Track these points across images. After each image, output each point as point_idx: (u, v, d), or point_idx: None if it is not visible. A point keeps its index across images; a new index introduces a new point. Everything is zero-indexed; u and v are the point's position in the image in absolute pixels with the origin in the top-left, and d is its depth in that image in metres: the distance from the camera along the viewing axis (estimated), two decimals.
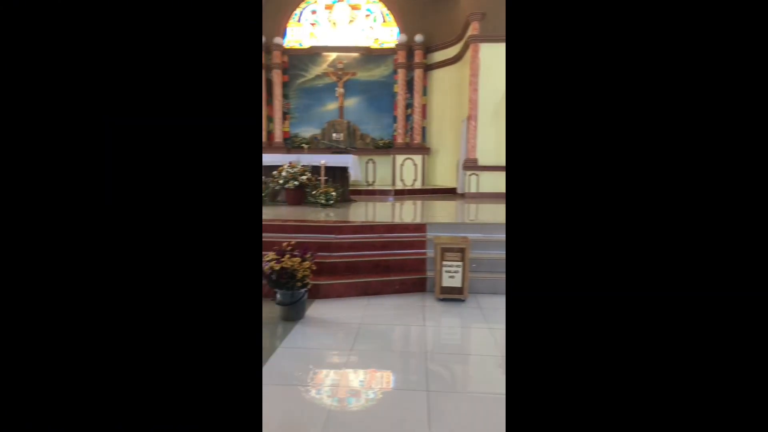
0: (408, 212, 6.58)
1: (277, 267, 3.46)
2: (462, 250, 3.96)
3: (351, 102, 10.65)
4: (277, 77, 11.02)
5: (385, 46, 10.54)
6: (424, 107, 10.45)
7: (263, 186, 7.07)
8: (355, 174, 7.65)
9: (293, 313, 3.49)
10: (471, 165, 8.66)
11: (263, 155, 8.26)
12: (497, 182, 8.16)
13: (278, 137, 11.03)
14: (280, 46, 10.78)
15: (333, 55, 10.60)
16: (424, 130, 10.51)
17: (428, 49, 10.26)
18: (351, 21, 10.75)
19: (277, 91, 11.02)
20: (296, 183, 6.55)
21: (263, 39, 11.07)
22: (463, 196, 8.72)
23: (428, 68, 10.39)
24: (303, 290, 3.50)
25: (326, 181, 6.71)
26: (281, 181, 6.66)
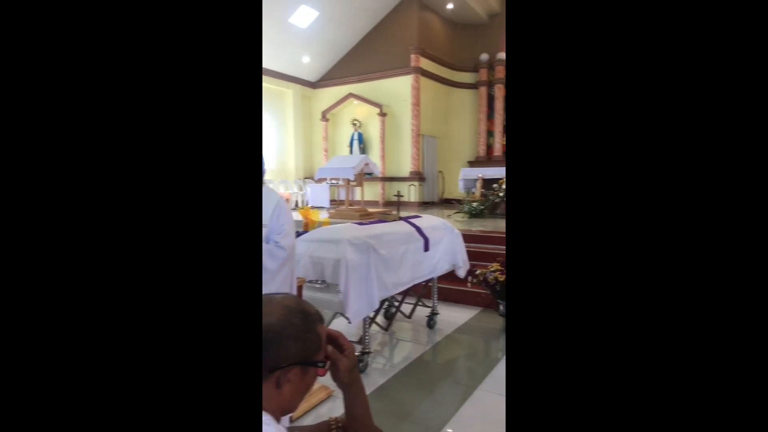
0: None
1: (502, 278, 3.42)
2: None
3: None
4: (499, 92, 11.36)
5: None
6: None
7: (485, 199, 7.49)
8: None
9: None
10: None
11: (483, 169, 8.58)
12: None
13: (498, 151, 11.40)
14: (502, 62, 10.93)
15: None
16: None
17: None
18: None
19: (499, 105, 11.37)
20: None
21: (486, 55, 11.63)
22: None
23: None
24: None
25: None
26: (501, 194, 6.94)
